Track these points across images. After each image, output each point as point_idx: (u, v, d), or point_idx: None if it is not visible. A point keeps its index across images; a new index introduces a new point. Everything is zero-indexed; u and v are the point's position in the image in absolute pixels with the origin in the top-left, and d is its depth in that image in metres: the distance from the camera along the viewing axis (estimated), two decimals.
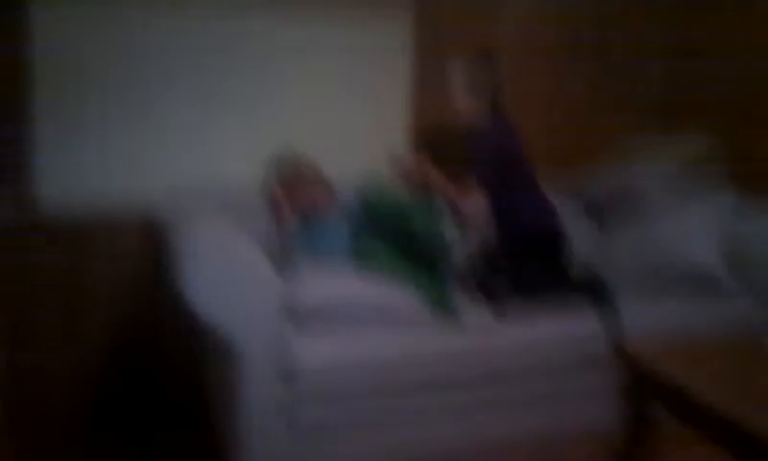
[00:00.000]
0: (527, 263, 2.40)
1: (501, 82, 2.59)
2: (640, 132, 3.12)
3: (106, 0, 2.38)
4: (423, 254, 2.26)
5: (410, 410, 2.02)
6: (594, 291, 2.37)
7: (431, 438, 2.07)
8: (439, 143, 2.82)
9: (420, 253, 2.26)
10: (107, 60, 2.41)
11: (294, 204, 2.44)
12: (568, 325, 2.20)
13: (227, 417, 2.14)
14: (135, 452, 2.40)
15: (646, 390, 1.76)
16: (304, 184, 2.48)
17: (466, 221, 2.50)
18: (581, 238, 2.76)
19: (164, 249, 2.22)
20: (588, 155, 3.05)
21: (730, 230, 2.48)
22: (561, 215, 2.55)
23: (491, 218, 2.49)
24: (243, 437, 1.84)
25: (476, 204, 2.45)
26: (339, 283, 2.08)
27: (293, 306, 1.93)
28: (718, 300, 2.40)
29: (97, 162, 2.45)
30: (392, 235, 2.30)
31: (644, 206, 2.66)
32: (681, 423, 1.67)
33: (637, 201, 2.67)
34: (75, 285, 2.51)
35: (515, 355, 2.10)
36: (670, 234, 2.51)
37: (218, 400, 2.33)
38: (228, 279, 1.78)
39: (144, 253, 2.56)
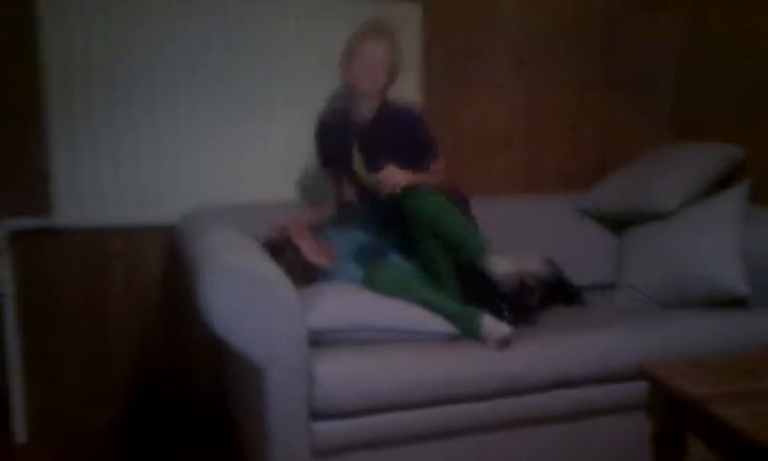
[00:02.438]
0: None
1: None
2: (657, 141, 3.10)
3: (123, 11, 2.39)
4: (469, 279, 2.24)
5: (430, 429, 2.01)
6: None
7: (456, 458, 2.06)
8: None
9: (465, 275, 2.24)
10: (125, 73, 2.43)
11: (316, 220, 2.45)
12: (586, 339, 2.18)
13: (250, 431, 2.15)
14: None
15: (671, 410, 1.74)
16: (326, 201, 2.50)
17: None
18: (599, 253, 2.74)
19: (183, 263, 2.23)
20: (604, 167, 3.04)
21: (753, 242, 2.44)
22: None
23: None
24: (267, 453, 1.84)
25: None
26: (357, 303, 2.08)
27: (313, 326, 1.92)
28: (743, 315, 2.37)
29: (114, 179, 2.46)
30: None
31: (664, 219, 2.63)
32: (706, 445, 1.65)
33: (656, 214, 2.64)
34: (94, 296, 2.54)
35: (534, 370, 2.08)
36: (691, 249, 2.48)
37: (241, 415, 2.34)
38: (251, 298, 1.78)
39: (164, 266, 2.58)
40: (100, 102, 2.41)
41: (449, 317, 2.12)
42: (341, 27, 2.57)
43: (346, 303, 2.08)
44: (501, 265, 2.18)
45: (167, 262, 2.56)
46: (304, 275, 2.18)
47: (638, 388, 1.87)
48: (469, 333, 2.10)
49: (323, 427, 1.87)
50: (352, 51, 2.39)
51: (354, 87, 2.39)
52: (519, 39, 2.90)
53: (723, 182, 2.71)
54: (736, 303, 2.41)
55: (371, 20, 2.44)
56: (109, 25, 2.38)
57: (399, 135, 2.40)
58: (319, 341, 1.97)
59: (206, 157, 2.55)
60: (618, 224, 2.82)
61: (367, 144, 2.41)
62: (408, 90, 2.76)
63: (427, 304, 2.12)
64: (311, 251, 2.23)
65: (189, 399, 2.67)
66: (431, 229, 2.18)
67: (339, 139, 2.46)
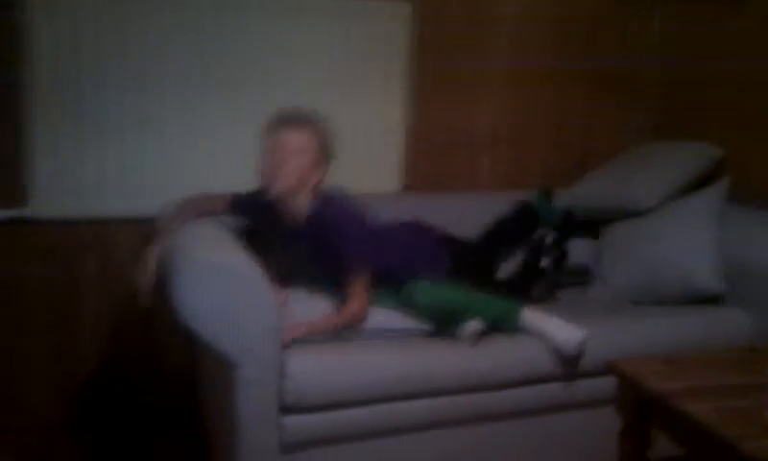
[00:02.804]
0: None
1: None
2: (640, 140, 3.11)
3: (104, 10, 2.38)
4: None
5: (404, 424, 2.02)
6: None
7: (424, 452, 2.06)
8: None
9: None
10: (104, 70, 2.41)
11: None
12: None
13: (220, 425, 2.14)
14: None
15: (639, 405, 1.75)
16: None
17: None
18: (579, 249, 2.75)
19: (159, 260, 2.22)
20: (587, 165, 3.04)
21: (729, 241, 2.45)
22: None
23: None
24: (236, 447, 1.84)
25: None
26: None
27: (286, 322, 1.93)
28: (717, 312, 2.38)
29: (93, 172, 2.45)
30: None
31: (643, 218, 2.63)
32: (673, 439, 1.66)
33: (636, 212, 2.65)
34: (68, 293, 2.52)
35: (505, 366, 2.09)
36: (668, 246, 2.49)
37: (212, 409, 2.34)
38: (225, 293, 1.77)
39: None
40: (77, 94, 2.39)
41: (495, 318, 2.09)
42: (325, 27, 2.60)
43: (319, 306, 2.09)
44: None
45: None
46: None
47: (610, 383, 1.89)
48: (512, 328, 2.12)
49: (293, 422, 1.87)
50: (262, 146, 2.11)
51: (267, 189, 2.10)
52: (507, 39, 2.90)
53: (704, 182, 2.72)
54: (711, 299, 2.42)
55: (281, 112, 2.13)
56: (90, 22, 2.38)
57: (324, 245, 2.10)
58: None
59: (184, 148, 2.54)
60: (599, 221, 2.83)
61: (294, 251, 2.19)
62: (395, 91, 2.77)
63: (470, 305, 2.07)
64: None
65: (161, 395, 2.65)
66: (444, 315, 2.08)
67: (264, 240, 2.22)
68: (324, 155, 2.14)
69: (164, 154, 2.52)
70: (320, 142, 2.12)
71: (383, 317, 2.10)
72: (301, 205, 2.13)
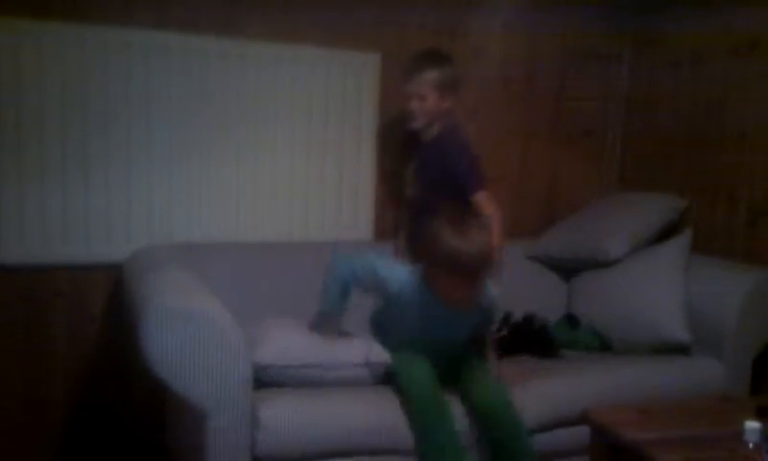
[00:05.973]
0: None
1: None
2: (605, 191, 3.18)
3: (68, 54, 2.36)
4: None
5: None
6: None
7: None
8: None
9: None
10: (77, 108, 2.39)
11: None
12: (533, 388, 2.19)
13: None
14: None
15: (613, 455, 1.76)
16: None
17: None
18: (548, 299, 2.78)
19: (128, 306, 2.18)
20: (553, 215, 3.09)
21: (693, 291, 2.51)
22: None
23: None
24: None
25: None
26: (304, 339, 2.06)
27: (259, 367, 1.90)
28: (685, 362, 2.42)
29: (61, 215, 2.40)
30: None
31: (610, 267, 2.68)
32: None
33: (603, 261, 2.69)
34: (34, 337, 2.46)
35: None
36: (636, 297, 2.54)
37: (182, 457, 2.28)
38: (193, 340, 1.74)
39: (109, 307, 2.53)
40: (48, 136, 2.37)
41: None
42: (295, 75, 2.62)
43: (292, 338, 2.05)
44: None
45: (113, 303, 2.50)
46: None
47: (583, 433, 1.89)
48: None
49: None
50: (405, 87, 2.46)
51: (414, 122, 2.49)
52: (472, 88, 2.96)
53: (668, 232, 2.79)
54: (679, 349, 2.46)
55: (415, 55, 2.49)
56: (56, 65, 2.36)
57: (443, 163, 2.44)
58: (265, 379, 1.94)
59: (158, 194, 2.51)
60: (567, 270, 2.87)
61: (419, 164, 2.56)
62: (364, 139, 2.79)
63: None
64: None
65: (130, 442, 2.58)
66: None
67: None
68: (451, 85, 2.47)
69: (139, 197, 2.49)
70: (447, 76, 2.45)
71: (354, 351, 2.06)
72: (435, 128, 2.50)
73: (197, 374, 1.74)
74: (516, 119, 3.06)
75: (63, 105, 2.38)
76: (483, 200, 2.37)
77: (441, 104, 2.44)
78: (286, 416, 1.86)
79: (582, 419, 1.85)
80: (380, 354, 2.06)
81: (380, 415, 1.98)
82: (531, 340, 2.52)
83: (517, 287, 2.73)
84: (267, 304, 2.36)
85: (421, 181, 2.55)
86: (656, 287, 2.52)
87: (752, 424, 1.67)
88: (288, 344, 2.03)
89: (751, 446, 1.65)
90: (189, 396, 1.76)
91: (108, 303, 2.51)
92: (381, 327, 2.21)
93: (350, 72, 2.74)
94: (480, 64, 2.97)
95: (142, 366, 1.75)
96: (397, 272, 2.06)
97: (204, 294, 1.92)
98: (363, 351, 2.06)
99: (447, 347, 2.11)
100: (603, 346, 2.58)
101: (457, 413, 2.00)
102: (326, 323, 2.10)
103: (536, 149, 3.11)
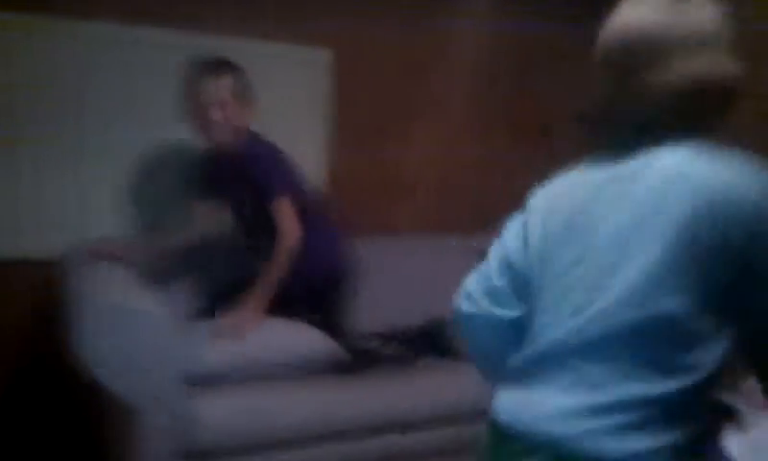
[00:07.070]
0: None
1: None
2: None
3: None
4: None
5: None
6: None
7: None
8: None
9: None
10: (7, 96, 2.31)
11: None
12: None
13: None
14: None
15: None
16: None
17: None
18: None
19: (59, 303, 2.13)
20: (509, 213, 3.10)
21: None
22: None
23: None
24: None
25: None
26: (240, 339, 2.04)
27: (192, 365, 1.89)
28: None
29: None
30: None
31: None
32: None
33: None
34: None
35: (417, 406, 2.11)
36: None
37: (115, 455, 2.24)
38: (126, 336, 1.73)
39: (37, 305, 2.46)
40: None
41: None
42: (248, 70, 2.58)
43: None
44: None
45: (43, 300, 2.44)
46: None
47: None
48: None
49: None
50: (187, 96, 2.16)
51: (205, 138, 2.19)
52: (430, 87, 2.96)
53: None
54: None
55: (199, 61, 2.17)
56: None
57: (241, 175, 2.19)
58: (200, 375, 1.92)
59: (95, 186, 2.45)
60: None
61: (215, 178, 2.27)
62: (316, 135, 2.77)
63: None
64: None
65: (60, 446, 2.51)
66: None
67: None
68: (247, 97, 2.18)
69: (73, 190, 2.43)
70: (244, 84, 2.17)
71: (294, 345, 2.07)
72: (233, 145, 2.16)
73: (130, 371, 1.73)
74: (474, 118, 3.06)
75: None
76: (282, 210, 2.10)
77: (242, 113, 2.16)
78: (222, 412, 1.87)
79: None
80: (318, 343, 2.08)
81: (318, 403, 2.00)
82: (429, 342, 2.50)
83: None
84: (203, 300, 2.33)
85: (239, 212, 2.29)
86: None
87: None
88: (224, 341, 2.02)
89: None
90: (122, 393, 1.74)
91: (38, 301, 2.45)
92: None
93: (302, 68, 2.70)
94: (438, 63, 2.96)
95: (75, 363, 1.72)
96: None
97: (134, 288, 1.90)
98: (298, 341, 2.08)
99: None
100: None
101: None
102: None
103: (493, 148, 3.10)
